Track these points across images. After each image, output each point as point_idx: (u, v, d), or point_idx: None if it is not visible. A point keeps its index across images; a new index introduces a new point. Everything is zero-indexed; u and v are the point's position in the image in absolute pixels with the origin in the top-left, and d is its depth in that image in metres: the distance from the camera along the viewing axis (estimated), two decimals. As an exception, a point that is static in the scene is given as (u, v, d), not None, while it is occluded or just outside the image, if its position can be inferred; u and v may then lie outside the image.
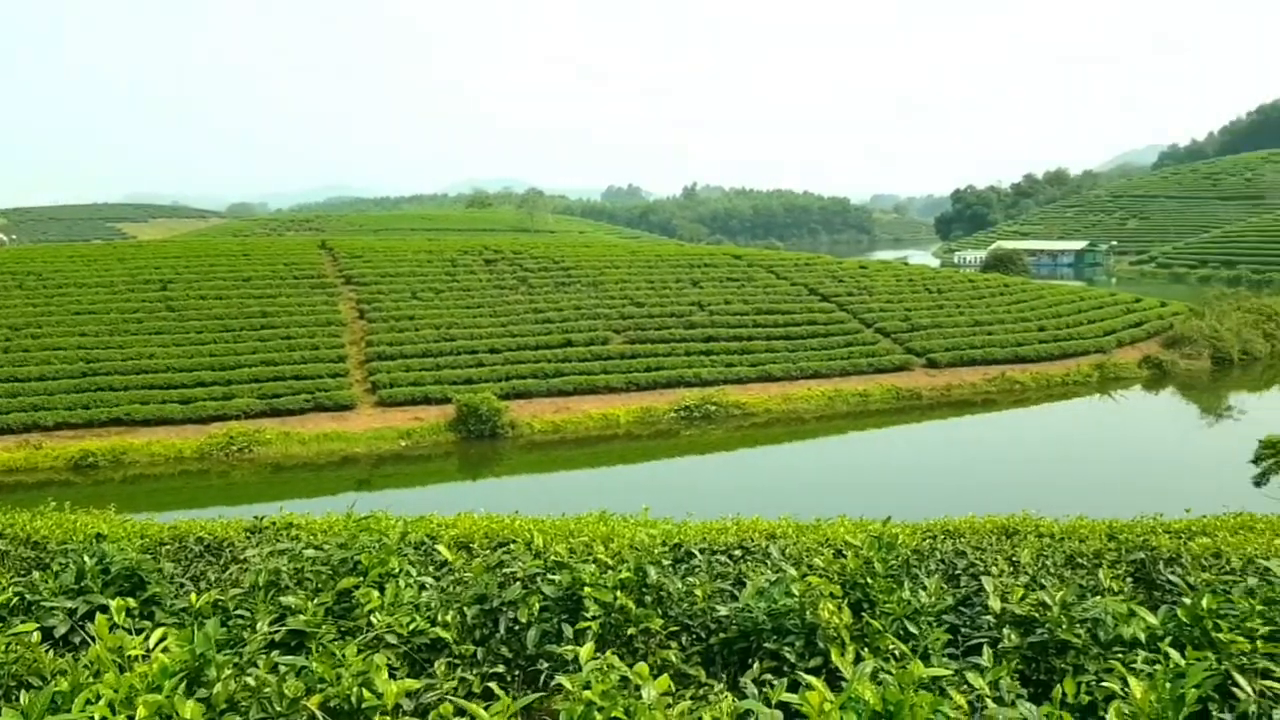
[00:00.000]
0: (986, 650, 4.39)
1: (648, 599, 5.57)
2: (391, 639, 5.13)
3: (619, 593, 5.43)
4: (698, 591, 5.64)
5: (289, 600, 5.47)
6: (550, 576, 5.71)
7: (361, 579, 5.69)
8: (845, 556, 5.86)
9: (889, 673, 3.91)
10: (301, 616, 5.29)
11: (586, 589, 5.43)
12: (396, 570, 5.88)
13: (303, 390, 38.74)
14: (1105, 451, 36.78)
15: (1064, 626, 4.80)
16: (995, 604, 5.04)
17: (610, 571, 5.71)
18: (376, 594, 5.47)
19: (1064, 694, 3.95)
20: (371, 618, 5.27)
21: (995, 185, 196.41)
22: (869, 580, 5.48)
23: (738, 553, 6.80)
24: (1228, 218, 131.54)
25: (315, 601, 5.48)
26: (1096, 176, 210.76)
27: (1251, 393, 49.04)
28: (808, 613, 5.06)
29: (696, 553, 6.42)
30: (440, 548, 6.33)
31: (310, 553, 6.23)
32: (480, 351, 43.78)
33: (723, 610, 5.45)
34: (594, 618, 5.31)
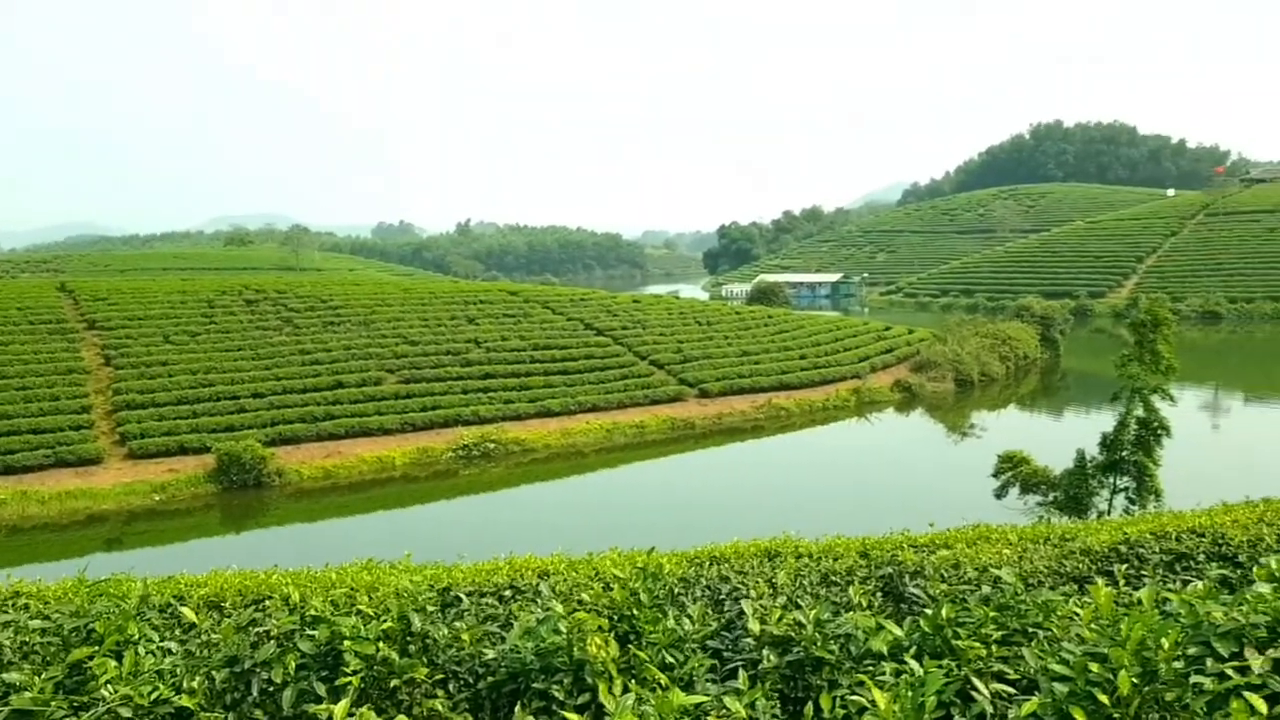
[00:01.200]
0: (742, 673, 4.50)
1: (412, 648, 5.40)
2: (126, 711, 4.72)
3: (382, 644, 5.23)
4: (464, 636, 5.51)
5: (12, 677, 4.95)
6: (308, 632, 5.44)
7: (96, 648, 5.23)
8: (613, 589, 5.89)
9: (650, 704, 3.94)
10: (27, 694, 4.80)
11: (346, 642, 5.20)
12: (136, 636, 5.43)
13: (41, 445, 35.53)
14: (863, 471, 38.98)
15: (818, 644, 4.98)
16: (754, 626, 5.18)
17: (374, 622, 5.50)
18: (113, 663, 5.03)
19: (816, 710, 4.09)
20: (104, 690, 4.84)
21: (757, 222, 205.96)
22: (635, 611, 5.52)
23: (508, 593, 6.70)
24: (964, 250, 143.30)
25: (44, 676, 4.98)
26: (848, 213, 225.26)
27: (990, 411, 53.27)
28: (575, 649, 5.03)
29: (463, 596, 6.29)
30: (184, 609, 5.91)
31: (37, 624, 5.67)
32: (242, 397, 41.58)
33: (490, 653, 5.34)
34: (355, 672, 5.09)
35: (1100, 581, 6.17)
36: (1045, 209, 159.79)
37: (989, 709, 4.25)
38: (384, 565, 7.85)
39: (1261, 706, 3.32)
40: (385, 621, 5.42)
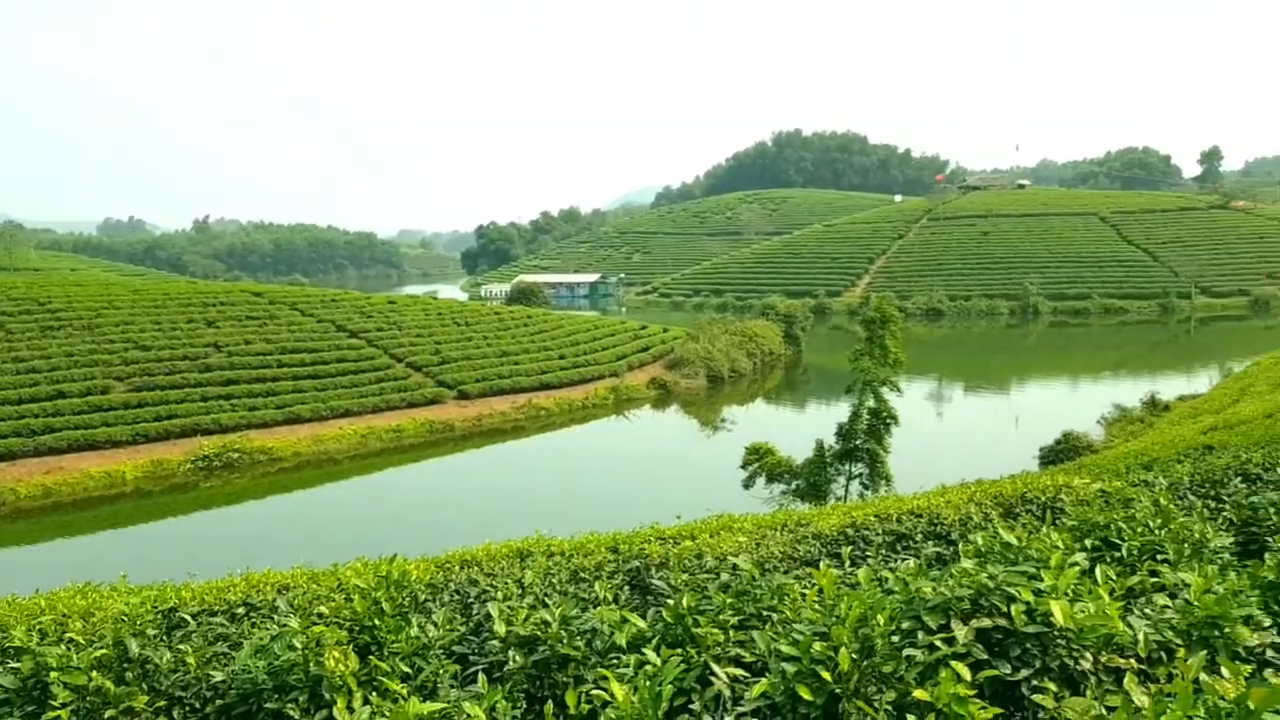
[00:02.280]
0: (481, 677, 4.44)
1: (129, 675, 4.99)
2: None
3: (95, 673, 4.81)
4: (190, 659, 5.15)
5: None
6: (11, 664, 4.94)
7: None
8: (354, 600, 5.68)
9: (386, 715, 3.81)
10: None
11: (54, 674, 4.75)
12: None
13: None
14: (621, 468, 39.73)
15: (564, 641, 4.98)
16: (500, 628, 5.12)
17: (86, 650, 5.05)
18: None
19: (561, 708, 4.08)
20: None
21: (516, 222, 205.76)
22: (377, 621, 5.34)
23: (241, 610, 6.34)
24: (714, 251, 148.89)
25: None
26: (604, 215, 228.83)
27: (740, 405, 55.60)
28: (312, 664, 4.80)
29: (189, 617, 5.89)
30: None
31: None
32: (-56, 410, 37.40)
33: (219, 675, 5.02)
34: (64, 705, 4.66)
35: (828, 563, 6.53)
36: (787, 213, 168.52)
37: (727, 692, 4.37)
38: (103, 588, 7.27)
39: (966, 674, 3.58)
40: (99, 649, 5.00)
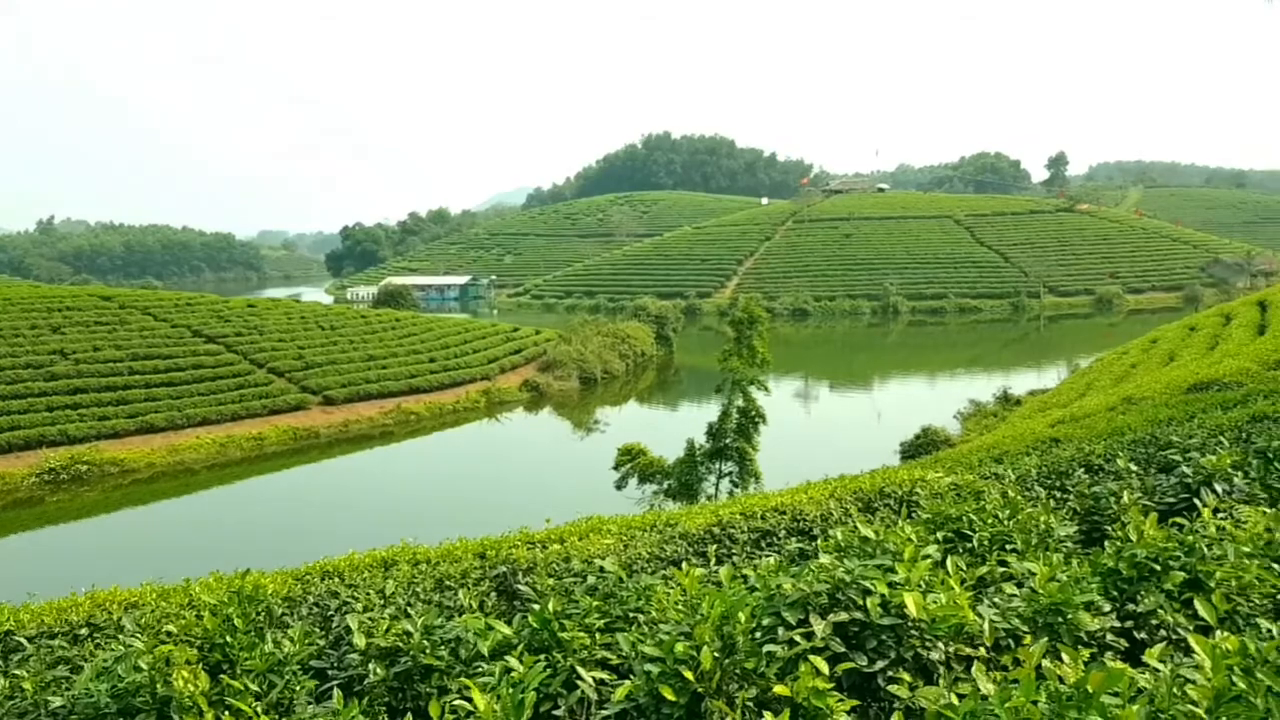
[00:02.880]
0: (337, 692, 4.31)
1: (-45, 708, 4.67)
2: None
3: (-88, 709, 4.48)
4: (26, 685, 4.86)
5: None
6: None
7: None
8: (205, 617, 5.44)
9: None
10: None
11: None
12: None
13: None
14: (493, 472, 39.33)
15: (427, 651, 4.88)
16: (360, 640, 4.99)
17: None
18: None
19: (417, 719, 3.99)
20: None
21: (383, 223, 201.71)
22: (229, 639, 5.13)
23: (84, 631, 6.01)
24: (586, 253, 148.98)
25: None
26: (475, 216, 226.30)
27: (613, 406, 55.77)
28: (159, 685, 4.58)
29: (25, 641, 5.55)
30: None
31: None
32: None
33: (58, 700, 4.75)
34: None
35: (695, 562, 6.58)
36: (658, 215, 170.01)
37: (593, 696, 4.35)
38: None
39: (824, 668, 3.64)
40: (-82, 682, 4.66)
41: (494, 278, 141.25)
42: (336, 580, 6.79)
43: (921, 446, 32.58)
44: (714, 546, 6.64)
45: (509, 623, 5.24)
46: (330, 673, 5.05)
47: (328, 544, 11.81)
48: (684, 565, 5.19)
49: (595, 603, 5.10)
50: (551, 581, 5.93)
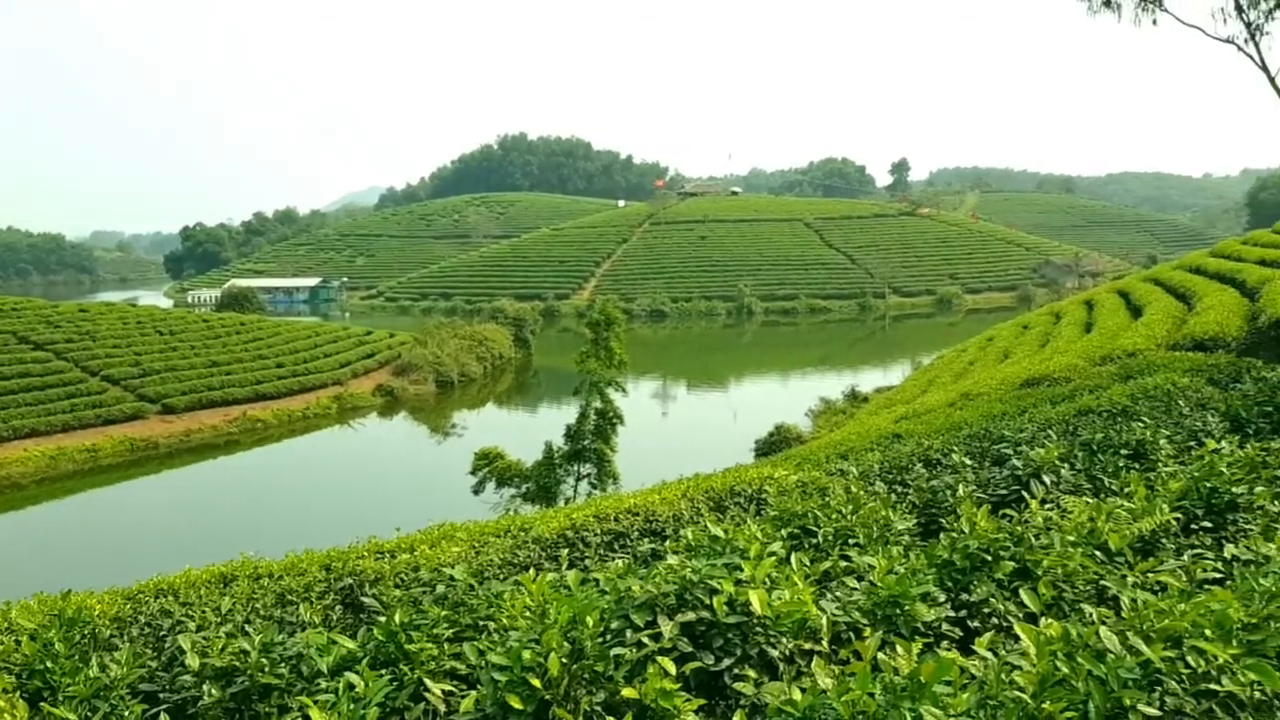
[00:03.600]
0: (164, 716, 4.10)
1: None
2: None
3: None
4: None
5: None
6: None
7: None
8: (23, 643, 5.09)
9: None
10: None
11: None
12: None
13: None
14: (344, 481, 38.33)
15: (265, 669, 4.69)
16: (194, 661, 4.75)
17: None
18: None
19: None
20: None
21: (226, 223, 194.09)
22: (49, 664, 4.82)
23: (-118, 666, 5.53)
24: (442, 254, 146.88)
25: None
26: (325, 216, 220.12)
27: (471, 410, 55.10)
28: (-32, 721, 4.26)
29: None
30: None
31: None
32: None
33: None
34: None
35: (548, 567, 6.53)
36: (515, 216, 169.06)
37: (441, 708, 4.27)
38: None
39: (671, 668, 3.65)
40: None
41: (346, 280, 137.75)
42: (171, 599, 6.47)
43: (775, 444, 33.33)
44: (566, 550, 6.61)
45: (354, 636, 5.09)
46: (162, 696, 4.80)
47: (165, 560, 11.25)
48: (533, 570, 5.14)
49: (444, 612, 5.01)
50: (399, 592, 5.79)
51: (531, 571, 4.64)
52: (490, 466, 28.94)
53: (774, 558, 4.65)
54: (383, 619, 4.95)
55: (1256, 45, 19.08)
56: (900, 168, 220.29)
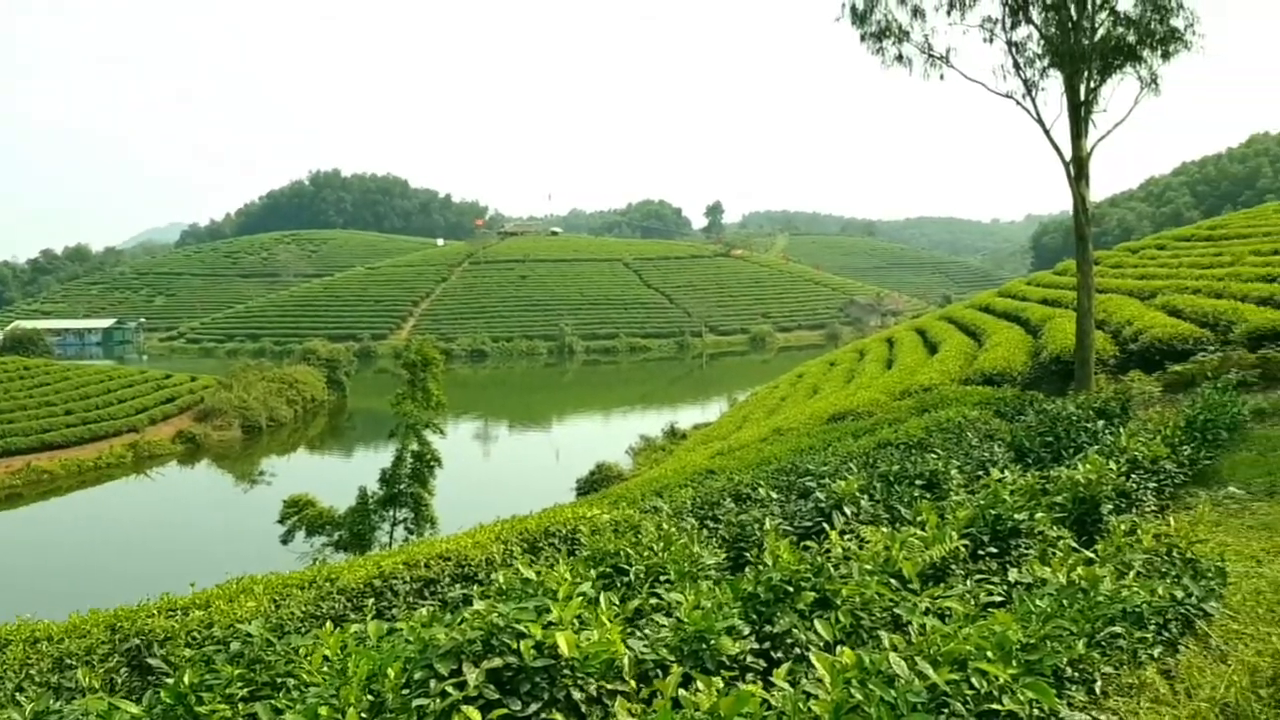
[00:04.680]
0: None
1: None
2: None
3: None
4: None
5: None
6: None
7: None
8: None
9: None
10: None
11: None
12: None
13: None
14: (139, 534, 36.05)
15: (32, 744, 4.32)
16: (-49, 740, 4.33)
17: None
18: None
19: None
20: None
21: (9, 261, 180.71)
22: None
23: None
24: (250, 294, 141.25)
25: None
26: (120, 253, 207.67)
27: (281, 456, 52.88)
28: None
29: None
30: None
31: None
32: None
33: None
34: None
35: (354, 618, 6.31)
36: (328, 254, 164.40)
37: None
38: None
39: (476, 717, 3.58)
40: None
41: (143, 320, 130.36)
42: (-73, 672, 5.89)
43: (596, 482, 33.41)
44: (373, 600, 6.41)
45: (139, 700, 4.77)
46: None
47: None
48: (329, 624, 4.95)
49: (238, 670, 4.75)
50: (190, 651, 5.46)
51: (329, 625, 4.47)
52: (300, 514, 27.83)
53: (583, 598, 4.64)
54: (171, 680, 4.66)
55: (1033, 100, 20.61)
56: (715, 210, 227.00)
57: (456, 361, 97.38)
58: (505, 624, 4.23)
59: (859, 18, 21.23)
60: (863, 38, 21.38)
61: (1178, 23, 19.70)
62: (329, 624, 4.66)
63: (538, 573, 5.21)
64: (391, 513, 27.27)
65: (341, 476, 40.21)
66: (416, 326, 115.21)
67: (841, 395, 28.55)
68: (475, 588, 6.22)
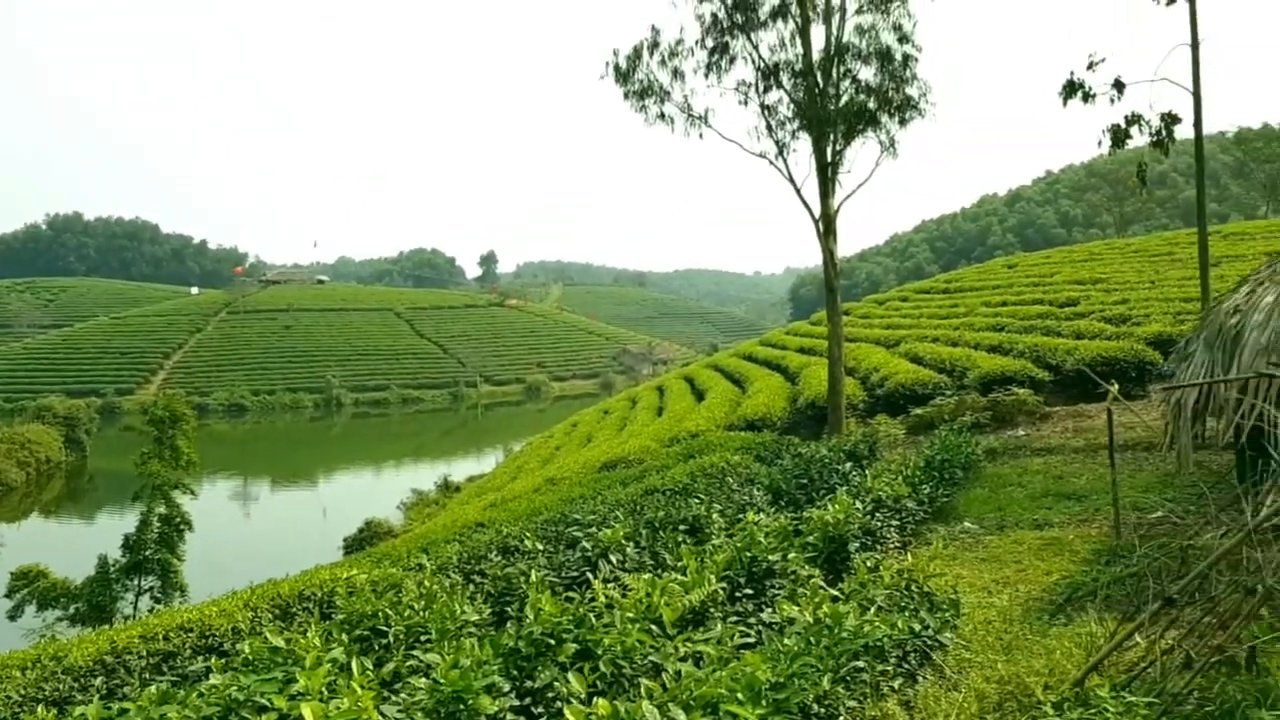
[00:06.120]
0: None
1: None
2: None
3: None
4: None
5: None
6: None
7: None
8: None
9: None
10: None
11: None
12: None
13: None
14: None
15: None
16: None
17: None
18: None
19: None
20: None
21: None
22: None
23: None
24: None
25: None
26: None
27: (10, 524, 48.05)
28: None
29: None
30: None
31: None
32: None
33: None
34: None
35: (80, 699, 5.77)
36: (67, 303, 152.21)
37: None
38: None
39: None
40: None
41: None
42: None
43: (364, 540, 32.27)
44: (102, 679, 5.88)
45: None
46: None
47: None
48: (42, 708, 4.49)
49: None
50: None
51: (41, 709, 4.07)
52: (30, 587, 25.26)
53: (334, 664, 4.44)
54: None
55: (785, 160, 21.84)
56: (489, 260, 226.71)
57: (212, 416, 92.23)
58: (246, 697, 3.99)
59: (622, 76, 21.90)
60: (626, 95, 22.07)
61: (913, 92, 21.45)
62: (41, 709, 4.24)
63: (288, 640, 4.95)
64: (136, 581, 25.23)
65: (81, 543, 36.96)
66: (168, 380, 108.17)
67: (614, 443, 28.93)
68: (218, 660, 5.83)
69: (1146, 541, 7.44)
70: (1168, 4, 20.42)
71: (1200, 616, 4.91)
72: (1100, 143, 20.53)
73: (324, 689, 4.15)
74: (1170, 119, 19.97)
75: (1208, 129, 19.58)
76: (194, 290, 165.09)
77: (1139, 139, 20.43)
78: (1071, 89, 20.07)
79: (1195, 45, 19.13)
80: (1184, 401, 8.30)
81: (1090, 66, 20.02)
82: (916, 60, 21.35)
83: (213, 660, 4.51)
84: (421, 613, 6.05)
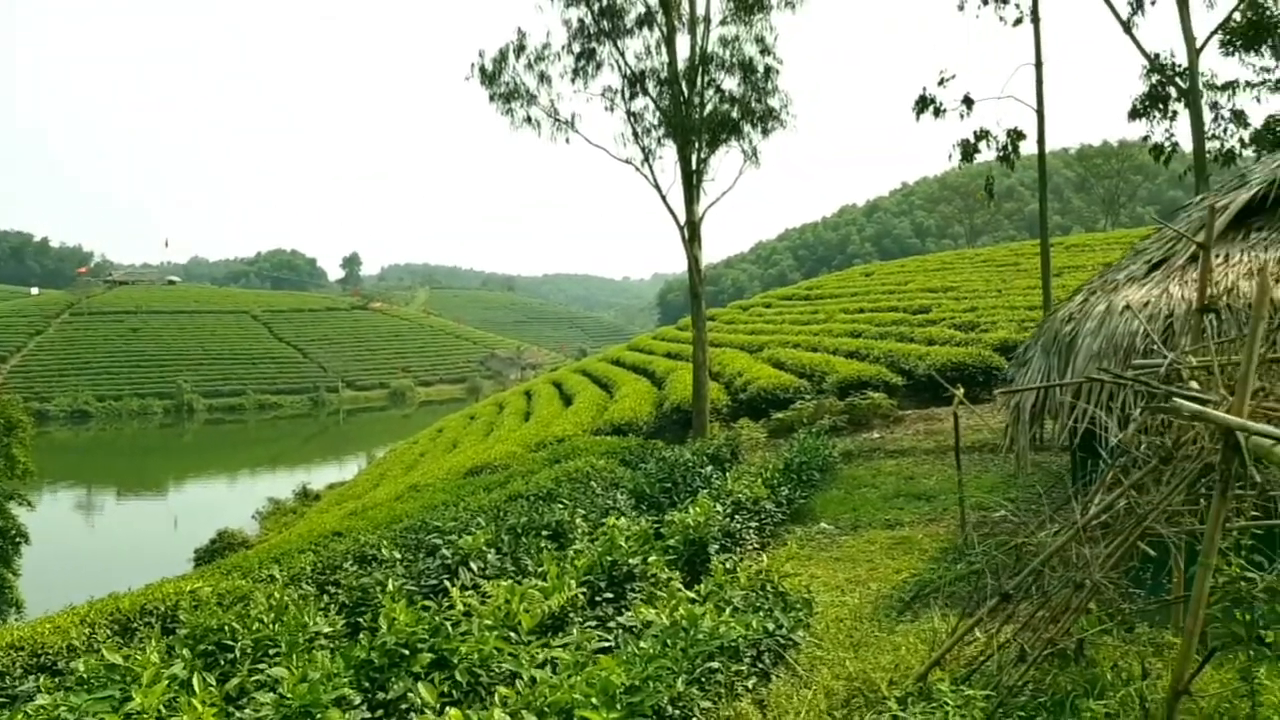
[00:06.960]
0: None
1: None
2: None
3: None
4: None
5: None
6: None
7: None
8: None
9: None
10: None
11: None
12: None
13: None
14: None
15: None
16: None
17: None
18: None
19: None
20: None
21: None
22: None
23: None
24: None
25: None
26: None
27: None
28: None
29: None
30: None
31: None
32: None
33: None
34: None
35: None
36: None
37: None
38: None
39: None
40: None
41: None
42: None
43: (217, 551, 31.02)
44: (-85, 705, 5.50)
45: None
46: None
47: None
48: None
49: None
50: None
51: None
52: None
53: (173, 680, 4.27)
54: None
55: (651, 167, 22.06)
56: (352, 262, 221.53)
57: (53, 424, 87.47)
58: (76, 717, 3.80)
59: (488, 78, 21.76)
60: (492, 98, 21.95)
61: (775, 103, 21.97)
62: None
63: (126, 657, 4.73)
64: (-35, 599, 23.78)
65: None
66: (4, 385, 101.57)
67: (480, 449, 28.62)
68: (50, 679, 5.53)
69: (987, 540, 7.79)
70: (1014, 24, 21.56)
71: (1034, 611, 5.16)
72: (951, 156, 21.56)
73: (162, 707, 3.99)
74: (1016, 135, 21.06)
75: (1051, 145, 20.67)
76: (34, 290, 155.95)
77: (987, 153, 21.46)
78: (924, 104, 20.94)
79: (1039, 65, 20.23)
80: (1022, 405, 8.71)
81: (941, 83, 20.95)
82: (778, 72, 21.89)
83: (43, 680, 4.27)
84: (271, 625, 5.86)
